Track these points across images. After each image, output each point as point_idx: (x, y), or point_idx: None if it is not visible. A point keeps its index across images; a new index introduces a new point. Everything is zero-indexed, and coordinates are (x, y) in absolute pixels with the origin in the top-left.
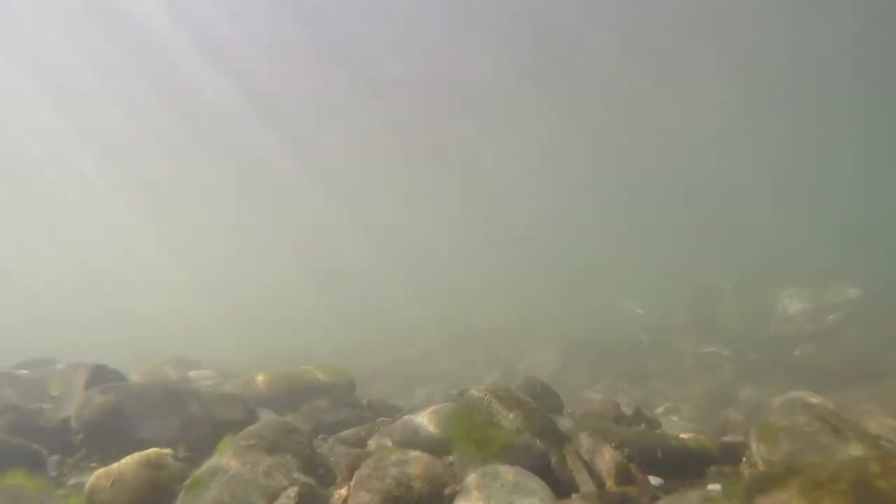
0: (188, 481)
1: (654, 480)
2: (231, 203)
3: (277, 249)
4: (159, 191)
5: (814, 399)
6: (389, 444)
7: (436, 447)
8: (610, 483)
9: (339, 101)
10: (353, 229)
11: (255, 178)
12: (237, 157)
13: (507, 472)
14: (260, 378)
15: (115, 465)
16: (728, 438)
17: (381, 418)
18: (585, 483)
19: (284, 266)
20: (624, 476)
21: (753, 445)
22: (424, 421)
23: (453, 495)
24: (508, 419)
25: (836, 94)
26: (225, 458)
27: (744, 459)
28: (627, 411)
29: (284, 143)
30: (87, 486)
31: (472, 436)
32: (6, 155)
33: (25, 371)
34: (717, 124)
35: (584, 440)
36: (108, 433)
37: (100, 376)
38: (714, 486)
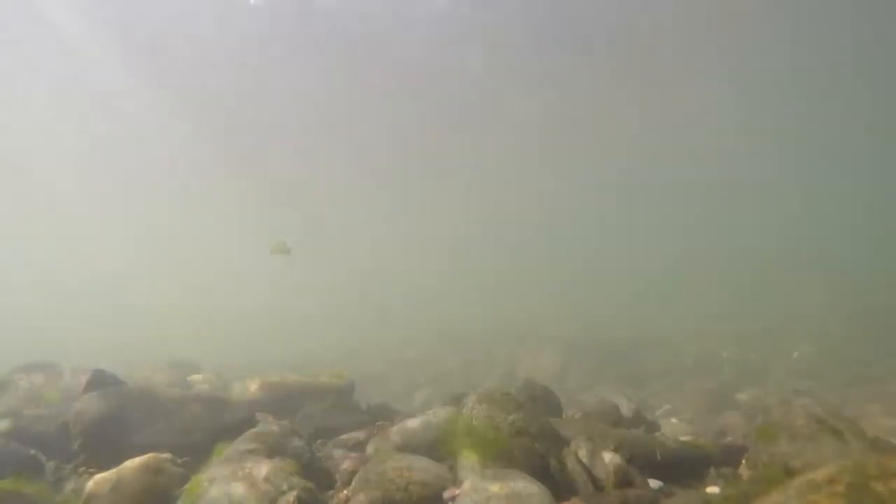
0: (187, 486)
1: (654, 483)
2: (232, 207)
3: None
4: (165, 192)
5: (812, 400)
6: (388, 447)
7: (435, 451)
8: (609, 486)
9: (336, 104)
10: (350, 230)
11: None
12: (243, 161)
13: (506, 475)
14: (259, 382)
15: (114, 470)
16: (727, 440)
17: (380, 422)
18: (584, 486)
19: (284, 270)
20: (623, 479)
21: (752, 447)
22: (423, 424)
23: (452, 499)
24: (507, 422)
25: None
26: (224, 463)
27: (743, 461)
28: (627, 413)
29: (285, 147)
30: (85, 491)
31: (470, 439)
32: (8, 156)
33: (24, 375)
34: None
35: (583, 443)
36: (106, 438)
37: (98, 381)
38: (713, 489)
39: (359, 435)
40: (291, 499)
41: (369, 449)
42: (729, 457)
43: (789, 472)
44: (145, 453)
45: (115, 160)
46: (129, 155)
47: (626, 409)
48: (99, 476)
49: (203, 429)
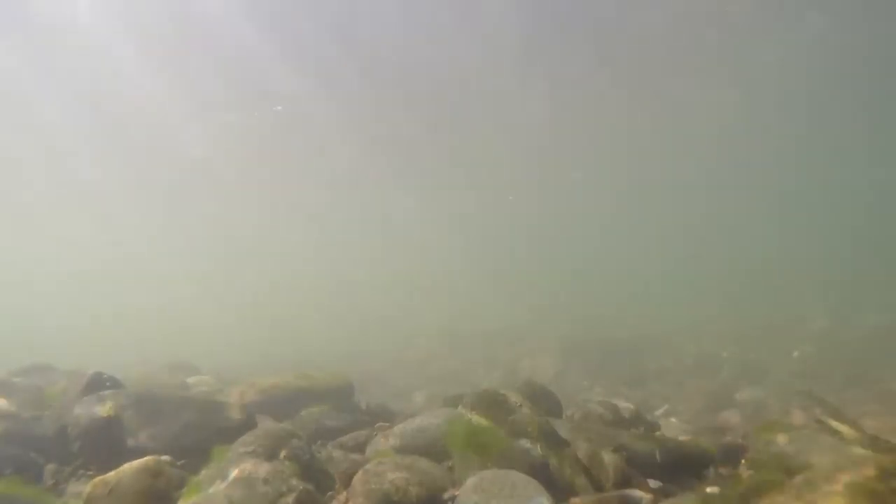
0: (186, 489)
1: (653, 483)
2: (227, 206)
3: (280, 255)
4: (164, 191)
5: (812, 400)
6: (388, 448)
7: (434, 452)
8: (609, 486)
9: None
10: (350, 230)
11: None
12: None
13: (506, 476)
14: (258, 383)
15: (113, 472)
16: (727, 440)
17: (380, 423)
18: (584, 487)
19: (286, 272)
20: (623, 479)
21: (752, 447)
22: (423, 425)
23: (452, 500)
24: (507, 423)
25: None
26: (223, 465)
27: (743, 461)
28: (626, 414)
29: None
30: (84, 494)
31: (470, 440)
32: (8, 156)
33: (22, 378)
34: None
35: (583, 443)
36: (105, 441)
37: (97, 383)
38: (713, 489)
39: (358, 436)
40: (291, 501)
41: (369, 450)
42: (728, 457)
43: (789, 472)
44: (144, 456)
45: (120, 160)
46: (134, 155)
47: (625, 409)
48: (98, 479)
49: (202, 431)
